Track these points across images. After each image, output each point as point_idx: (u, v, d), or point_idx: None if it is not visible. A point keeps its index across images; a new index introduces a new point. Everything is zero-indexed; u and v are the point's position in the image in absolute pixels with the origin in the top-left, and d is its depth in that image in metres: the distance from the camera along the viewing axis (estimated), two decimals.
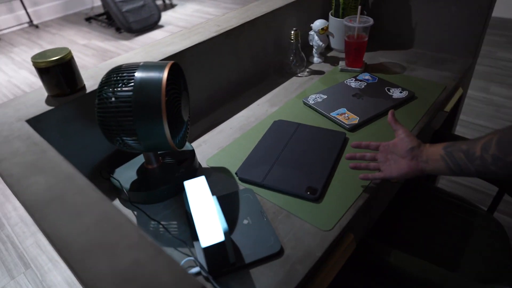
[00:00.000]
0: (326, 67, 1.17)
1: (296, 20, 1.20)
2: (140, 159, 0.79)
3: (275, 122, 0.91)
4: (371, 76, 1.07)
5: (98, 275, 0.35)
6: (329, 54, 1.26)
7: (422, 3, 1.16)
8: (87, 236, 0.39)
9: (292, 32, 1.07)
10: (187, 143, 0.82)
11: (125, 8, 3.56)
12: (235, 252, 0.60)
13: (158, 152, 0.79)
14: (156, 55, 0.86)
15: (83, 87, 0.75)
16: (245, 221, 0.66)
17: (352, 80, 1.06)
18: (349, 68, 1.13)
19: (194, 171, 0.78)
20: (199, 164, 0.81)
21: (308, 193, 0.69)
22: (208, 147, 0.87)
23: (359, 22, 1.05)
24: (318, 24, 1.12)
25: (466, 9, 1.09)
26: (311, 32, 1.16)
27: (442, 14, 1.14)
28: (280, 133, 0.87)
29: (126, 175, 0.76)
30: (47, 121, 0.69)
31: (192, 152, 0.80)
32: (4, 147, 0.56)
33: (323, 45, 1.15)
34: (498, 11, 3.40)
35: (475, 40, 1.12)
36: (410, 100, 0.97)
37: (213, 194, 0.73)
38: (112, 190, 0.76)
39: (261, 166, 0.77)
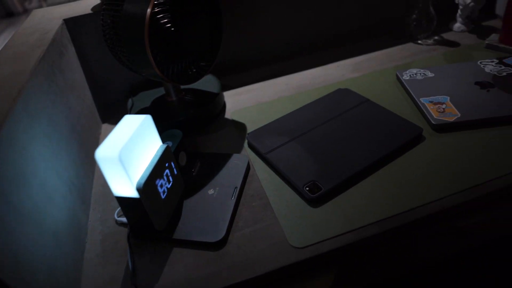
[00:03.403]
0: (469, 39, 0.81)
1: None
2: None
3: (339, 89, 0.68)
4: None
5: None
6: (486, 23, 0.86)
7: None
8: None
9: None
10: (217, 86, 0.70)
11: None
12: (172, 220, 0.48)
13: (182, 87, 0.70)
14: None
15: None
16: (211, 191, 0.51)
17: (492, 62, 0.70)
18: (502, 46, 0.74)
19: (208, 117, 0.66)
20: (220, 112, 0.69)
21: (307, 189, 0.49)
22: (247, 98, 0.72)
23: None
24: None
25: None
26: None
27: None
28: (335, 104, 0.64)
29: (145, 99, 0.70)
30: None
31: (216, 96, 0.67)
32: None
33: (472, 4, 0.79)
34: None
35: None
36: None
37: (208, 150, 0.61)
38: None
39: (278, 137, 0.59)
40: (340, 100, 0.65)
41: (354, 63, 0.78)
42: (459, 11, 0.83)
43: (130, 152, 0.40)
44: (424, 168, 0.51)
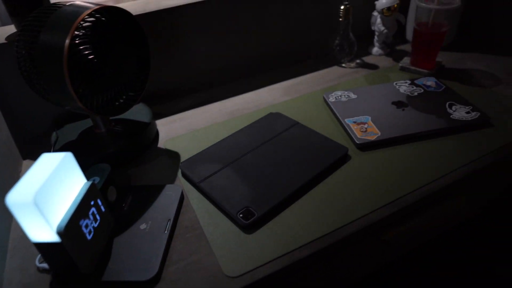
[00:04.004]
0: (386, 62, 0.89)
1: None
2: None
3: (271, 113, 0.70)
4: (436, 83, 0.76)
5: None
6: (400, 47, 0.95)
7: None
8: None
9: (342, 7, 0.82)
10: (148, 115, 0.69)
11: None
12: (101, 261, 0.45)
13: (112, 118, 0.68)
14: (151, 7, 0.73)
15: None
16: (143, 226, 0.50)
17: (405, 83, 0.77)
18: (413, 68, 0.82)
19: (140, 147, 0.65)
20: (152, 142, 0.67)
21: (241, 216, 0.49)
22: (180, 126, 0.72)
23: (438, 2, 0.74)
24: (383, 1, 0.84)
25: None
26: (374, 13, 0.88)
27: None
28: (266, 128, 0.66)
29: (71, 132, 0.66)
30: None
31: (147, 125, 0.66)
32: None
33: (385, 31, 0.87)
34: None
35: None
36: (480, 126, 0.65)
37: (140, 182, 0.59)
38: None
39: (212, 164, 0.59)
40: (271, 124, 0.67)
41: (285, 86, 0.82)
42: (375, 37, 0.91)
43: (47, 194, 0.38)
44: (351, 185, 0.54)
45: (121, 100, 0.59)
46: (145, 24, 0.71)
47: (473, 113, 0.66)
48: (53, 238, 0.39)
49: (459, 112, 0.66)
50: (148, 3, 0.76)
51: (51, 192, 0.38)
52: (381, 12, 0.85)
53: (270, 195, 0.52)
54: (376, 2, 0.86)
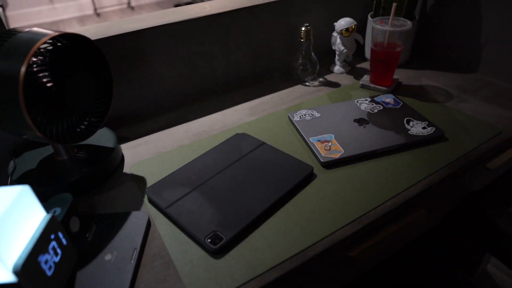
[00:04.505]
0: (347, 80, 0.92)
1: (324, 16, 0.97)
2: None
3: (237, 134, 0.71)
4: (394, 100, 0.80)
5: None
6: (360, 65, 1.00)
7: (499, 11, 0.84)
8: None
9: (303, 29, 0.84)
10: (113, 140, 0.67)
11: None
12: None
13: (75, 144, 0.66)
14: (113, 30, 0.73)
15: None
16: (108, 256, 0.48)
17: (365, 100, 0.80)
18: (372, 85, 0.86)
19: (104, 174, 0.63)
20: (117, 167, 0.66)
21: (209, 241, 0.49)
22: (146, 150, 0.71)
23: (391, 24, 0.79)
24: (342, 23, 0.88)
25: None
26: (334, 34, 0.92)
27: None
28: (233, 149, 0.67)
29: (31, 160, 0.64)
30: None
31: (112, 150, 0.65)
32: None
33: (345, 51, 0.90)
34: None
35: None
36: (435, 141, 0.68)
37: (105, 210, 0.57)
38: None
39: (179, 188, 0.58)
40: (238, 145, 0.68)
41: (250, 106, 0.83)
42: (336, 56, 0.94)
43: (2, 232, 0.36)
44: (317, 204, 0.56)
45: (83, 126, 0.58)
46: (108, 47, 0.71)
47: (429, 128, 0.70)
48: (10, 278, 0.37)
49: (416, 128, 0.70)
50: (111, 27, 0.75)
51: (6, 229, 0.37)
52: (340, 33, 0.89)
53: (237, 218, 0.52)
54: (335, 24, 0.90)
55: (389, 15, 0.79)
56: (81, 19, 4.36)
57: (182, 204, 0.55)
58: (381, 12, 0.91)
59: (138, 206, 0.57)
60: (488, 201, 0.76)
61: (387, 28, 0.78)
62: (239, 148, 0.67)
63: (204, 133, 0.74)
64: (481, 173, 0.74)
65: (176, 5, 4.45)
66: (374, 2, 0.93)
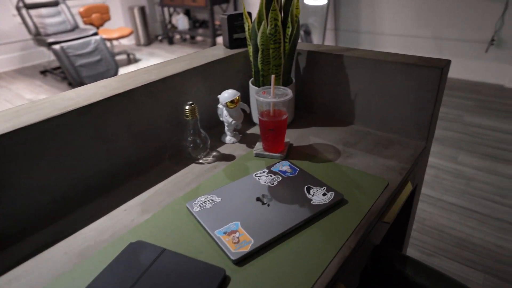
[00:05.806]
0: (241, 150, 0.90)
1: (205, 89, 0.95)
2: None
3: (131, 244, 0.61)
4: (290, 167, 0.80)
5: None
6: (250, 131, 0.99)
7: (362, 73, 0.94)
8: None
9: (187, 107, 0.80)
10: None
11: (79, 62, 3.35)
12: None
13: None
14: None
15: None
16: None
17: (263, 172, 0.78)
18: (266, 153, 0.86)
19: None
20: None
21: None
22: (20, 287, 0.55)
23: (274, 95, 0.80)
24: (226, 95, 0.87)
25: (414, 80, 0.86)
26: (220, 106, 0.90)
27: (387, 85, 0.91)
28: (129, 265, 0.56)
29: None
30: None
31: None
32: None
33: (234, 122, 0.89)
34: (465, 73, 3.34)
35: (426, 119, 0.88)
36: (338, 205, 0.69)
37: None
38: None
39: None
40: (134, 257, 0.58)
41: (142, 201, 0.73)
42: (226, 127, 0.92)
43: None
44: None
45: None
46: None
47: (329, 194, 0.70)
48: None
49: (317, 196, 0.70)
50: None
51: None
52: (226, 105, 0.87)
53: None
54: (219, 97, 0.88)
55: (269, 81, 0.80)
56: None
57: None
58: (261, 80, 0.93)
59: None
60: (389, 250, 0.79)
61: (271, 99, 0.79)
62: (137, 262, 0.57)
63: (89, 248, 0.62)
64: (380, 227, 0.77)
65: (43, 72, 4.05)
66: (253, 70, 0.95)
